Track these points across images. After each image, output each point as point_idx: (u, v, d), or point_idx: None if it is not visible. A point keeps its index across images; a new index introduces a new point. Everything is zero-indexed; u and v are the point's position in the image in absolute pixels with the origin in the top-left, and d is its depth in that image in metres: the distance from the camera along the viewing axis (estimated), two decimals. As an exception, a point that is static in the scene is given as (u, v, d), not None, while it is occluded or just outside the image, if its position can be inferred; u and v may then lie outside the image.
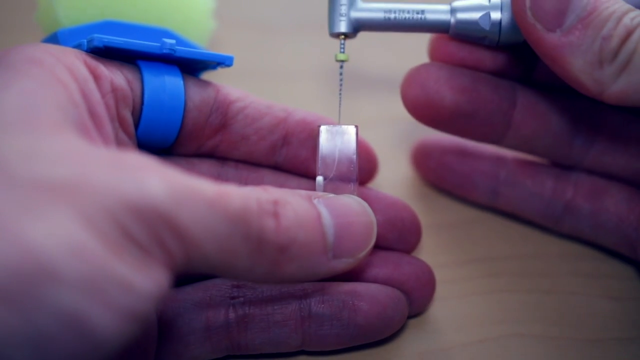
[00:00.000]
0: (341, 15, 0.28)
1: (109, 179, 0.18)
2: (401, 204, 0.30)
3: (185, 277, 0.28)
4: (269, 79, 0.39)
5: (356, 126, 0.28)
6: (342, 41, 0.29)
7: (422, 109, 0.29)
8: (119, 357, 0.18)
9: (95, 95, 0.23)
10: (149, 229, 0.18)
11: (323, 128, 0.28)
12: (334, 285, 0.28)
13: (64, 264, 0.16)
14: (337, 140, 0.28)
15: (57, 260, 0.16)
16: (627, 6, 0.25)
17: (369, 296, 0.27)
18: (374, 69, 0.39)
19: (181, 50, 0.26)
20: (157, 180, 0.19)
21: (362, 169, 0.30)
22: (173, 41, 0.26)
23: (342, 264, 0.24)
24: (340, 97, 0.29)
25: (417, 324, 0.30)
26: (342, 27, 0.28)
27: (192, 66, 0.28)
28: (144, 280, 0.18)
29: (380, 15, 0.28)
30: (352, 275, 0.28)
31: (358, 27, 0.28)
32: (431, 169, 0.34)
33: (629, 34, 0.24)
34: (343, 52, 0.29)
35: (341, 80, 0.29)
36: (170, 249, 0.19)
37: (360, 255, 0.25)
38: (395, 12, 0.28)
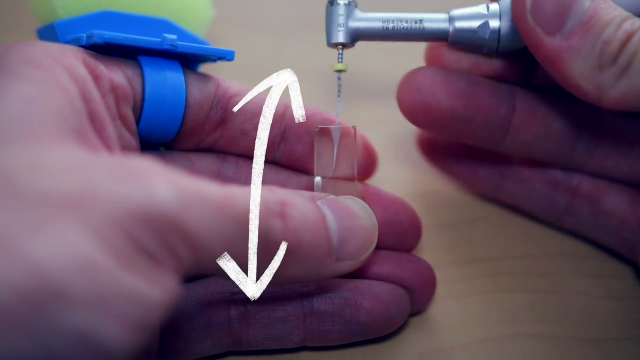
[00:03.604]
0: (339, 25, 0.28)
1: (116, 188, 0.18)
2: (401, 203, 0.30)
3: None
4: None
5: (354, 127, 0.28)
6: (341, 51, 0.28)
7: (418, 114, 0.29)
8: None
9: (96, 97, 0.23)
10: (159, 237, 0.18)
11: (321, 129, 0.28)
12: (336, 282, 0.28)
13: (73, 283, 0.16)
14: (335, 141, 0.28)
15: (66, 279, 0.16)
16: (627, 14, 0.25)
17: (372, 294, 0.27)
18: (372, 74, 0.39)
19: (183, 46, 0.26)
20: (164, 186, 0.18)
21: (362, 166, 0.30)
22: (174, 37, 0.25)
23: (344, 267, 0.24)
24: (338, 106, 0.29)
25: (417, 324, 0.30)
26: (341, 38, 0.28)
27: (192, 59, 0.28)
28: (154, 289, 0.18)
29: (378, 25, 0.28)
30: (354, 272, 0.28)
31: (356, 37, 0.28)
32: (438, 156, 0.34)
33: (629, 37, 0.24)
34: (341, 62, 0.28)
35: (340, 89, 0.29)
36: (180, 254, 0.19)
37: (362, 257, 0.25)
38: (393, 21, 0.28)
